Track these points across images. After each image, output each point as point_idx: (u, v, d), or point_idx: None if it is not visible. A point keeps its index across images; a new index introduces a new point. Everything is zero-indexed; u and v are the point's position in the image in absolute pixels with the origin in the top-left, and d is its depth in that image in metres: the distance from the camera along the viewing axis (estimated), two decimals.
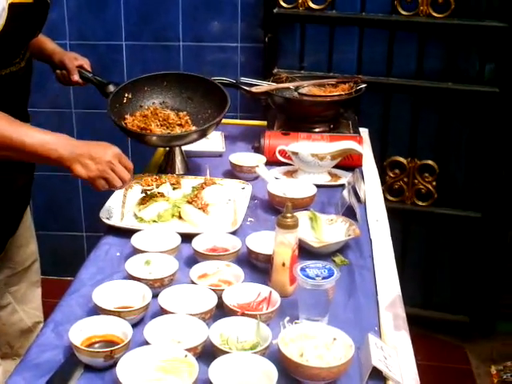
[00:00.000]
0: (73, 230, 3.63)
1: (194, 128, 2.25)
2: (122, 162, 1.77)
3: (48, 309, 1.61)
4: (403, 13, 2.89)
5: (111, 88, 2.25)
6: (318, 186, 2.14)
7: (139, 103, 2.31)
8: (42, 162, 1.71)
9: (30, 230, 2.23)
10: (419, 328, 3.09)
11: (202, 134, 2.21)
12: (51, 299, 2.12)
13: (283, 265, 1.61)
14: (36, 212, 3.60)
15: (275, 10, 2.96)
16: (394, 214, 2.61)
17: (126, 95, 2.28)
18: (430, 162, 3.08)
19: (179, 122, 2.26)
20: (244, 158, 2.35)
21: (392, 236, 2.04)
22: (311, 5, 2.94)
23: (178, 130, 2.23)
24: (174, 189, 2.10)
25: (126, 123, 2.22)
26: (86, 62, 2.27)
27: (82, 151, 1.70)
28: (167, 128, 2.24)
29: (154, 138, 2.17)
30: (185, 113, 2.31)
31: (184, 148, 2.33)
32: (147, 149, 2.62)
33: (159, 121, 2.24)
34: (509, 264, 3.20)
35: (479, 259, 3.15)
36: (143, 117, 2.25)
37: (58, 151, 1.66)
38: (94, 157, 1.71)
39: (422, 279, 3.28)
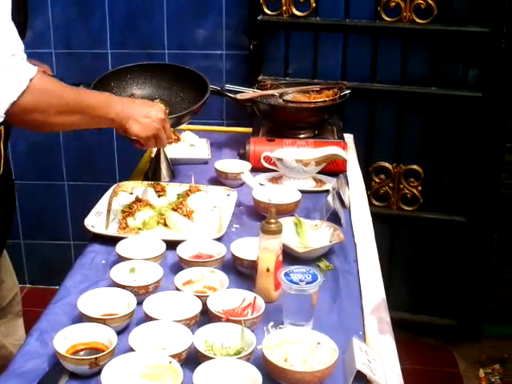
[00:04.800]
0: (60, 239, 3.62)
1: (168, 111, 2.19)
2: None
3: (36, 318, 1.61)
4: (387, 19, 2.91)
5: None
6: (303, 192, 2.15)
7: None
8: (100, 122, 1.74)
9: (8, 264, 2.19)
10: (407, 332, 3.12)
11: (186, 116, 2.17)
12: (39, 308, 2.10)
13: (267, 270, 1.61)
14: (23, 221, 3.61)
15: (260, 18, 2.98)
16: (380, 219, 2.63)
17: None
18: (415, 166, 3.10)
19: None
20: (229, 164, 2.35)
21: (378, 241, 2.05)
22: (295, 12, 2.96)
23: None
24: (159, 196, 2.11)
25: None
26: (47, 69, 2.19)
27: (135, 110, 1.77)
28: None
29: None
30: (158, 100, 2.26)
31: (169, 155, 2.34)
32: (133, 156, 2.63)
33: None
34: (494, 267, 3.22)
35: (465, 263, 3.17)
36: None
37: (113, 109, 1.73)
38: (149, 115, 1.80)
39: (409, 284, 3.30)
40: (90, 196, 2.18)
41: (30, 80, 1.51)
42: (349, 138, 2.72)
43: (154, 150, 2.34)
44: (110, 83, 2.22)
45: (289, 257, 1.76)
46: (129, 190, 2.15)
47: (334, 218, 2.01)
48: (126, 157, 3.30)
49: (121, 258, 1.74)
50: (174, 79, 2.29)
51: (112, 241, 1.85)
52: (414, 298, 3.31)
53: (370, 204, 2.61)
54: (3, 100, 1.48)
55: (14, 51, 1.50)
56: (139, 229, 1.94)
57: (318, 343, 1.39)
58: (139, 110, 1.81)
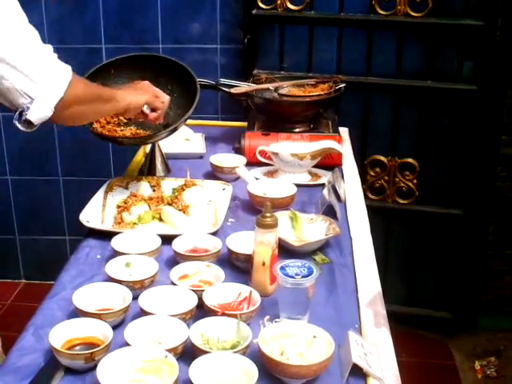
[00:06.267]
0: (55, 234, 3.61)
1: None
2: None
3: (31, 313, 1.61)
4: (381, 12, 2.90)
5: None
6: (299, 186, 2.15)
7: None
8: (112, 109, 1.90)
9: None
10: (403, 325, 3.12)
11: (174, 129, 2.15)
12: (34, 303, 2.11)
13: (263, 264, 1.61)
14: (18, 216, 3.60)
15: (254, 11, 2.97)
16: (375, 213, 2.63)
17: None
18: (410, 160, 3.10)
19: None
20: (225, 159, 2.35)
21: (374, 234, 2.06)
22: (290, 5, 2.95)
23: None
24: (154, 191, 2.11)
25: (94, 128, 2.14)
26: None
27: (128, 89, 1.96)
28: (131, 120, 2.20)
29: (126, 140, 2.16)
30: None
31: (164, 150, 2.33)
32: (128, 151, 2.63)
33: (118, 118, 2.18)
34: (490, 260, 3.23)
35: (461, 256, 3.17)
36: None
37: (119, 93, 1.89)
38: (138, 87, 1.98)
39: (404, 277, 3.30)
40: (85, 191, 2.18)
41: (72, 75, 1.65)
42: (344, 131, 2.72)
43: (149, 145, 2.35)
44: (96, 82, 2.18)
45: (284, 250, 1.76)
46: (124, 184, 2.15)
47: (329, 212, 2.01)
48: (120, 152, 3.28)
49: (116, 253, 1.74)
50: (159, 71, 2.26)
51: (107, 236, 1.84)
52: (410, 291, 3.32)
53: (366, 197, 2.61)
54: (52, 96, 1.60)
55: (49, 50, 1.64)
56: (134, 223, 1.94)
57: (314, 336, 1.40)
58: (128, 88, 1.98)
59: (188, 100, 2.20)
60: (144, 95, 1.95)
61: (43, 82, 1.58)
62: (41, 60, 1.59)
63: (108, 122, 2.15)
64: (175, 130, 2.15)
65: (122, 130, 2.19)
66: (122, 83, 2.21)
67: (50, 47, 1.64)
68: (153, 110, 2.00)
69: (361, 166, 2.94)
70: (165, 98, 2.03)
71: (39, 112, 1.60)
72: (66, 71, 1.64)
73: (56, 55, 1.65)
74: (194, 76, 2.24)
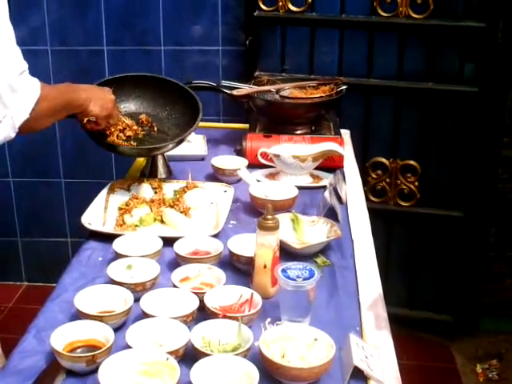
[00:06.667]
0: (57, 236, 3.62)
1: (156, 128, 2.23)
2: None
3: (33, 316, 1.61)
4: (383, 14, 2.91)
5: None
6: (300, 188, 2.15)
7: None
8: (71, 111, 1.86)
9: None
10: (404, 328, 3.12)
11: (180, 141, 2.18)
12: (36, 306, 2.11)
13: (264, 266, 1.61)
14: (20, 218, 3.61)
15: (255, 13, 2.97)
16: (377, 215, 2.63)
17: None
18: (412, 162, 3.10)
19: (145, 125, 2.23)
20: (226, 161, 2.35)
21: (375, 236, 2.06)
22: (291, 7, 2.95)
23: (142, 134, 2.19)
24: (155, 193, 2.11)
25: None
26: None
27: (93, 93, 1.90)
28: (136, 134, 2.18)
29: (131, 150, 2.13)
30: (144, 115, 2.25)
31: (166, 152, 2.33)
32: None
33: (121, 131, 2.12)
34: (491, 262, 3.22)
35: (462, 258, 3.17)
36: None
37: (81, 95, 1.85)
38: (103, 97, 1.93)
39: (405, 279, 3.30)
40: (87, 193, 2.18)
41: (39, 94, 1.62)
42: (345, 133, 2.72)
43: None
44: None
45: (286, 253, 1.76)
46: (126, 187, 2.15)
47: (331, 214, 2.01)
48: None
49: (118, 255, 1.74)
50: (158, 91, 2.27)
51: (109, 238, 1.84)
52: (411, 293, 3.31)
53: (367, 200, 2.61)
54: (18, 118, 1.60)
55: (22, 69, 1.61)
56: (136, 226, 1.94)
57: (315, 339, 1.40)
58: (96, 93, 1.92)
59: (189, 118, 2.22)
60: (100, 109, 1.91)
61: (12, 105, 1.57)
62: (14, 82, 1.57)
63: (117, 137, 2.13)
64: (181, 141, 2.17)
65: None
66: (120, 100, 2.21)
67: (25, 65, 1.62)
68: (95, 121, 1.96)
69: (362, 168, 2.94)
70: (114, 122, 2.02)
71: (3, 133, 1.59)
72: (34, 90, 1.63)
73: (27, 71, 1.63)
74: (195, 97, 2.24)
